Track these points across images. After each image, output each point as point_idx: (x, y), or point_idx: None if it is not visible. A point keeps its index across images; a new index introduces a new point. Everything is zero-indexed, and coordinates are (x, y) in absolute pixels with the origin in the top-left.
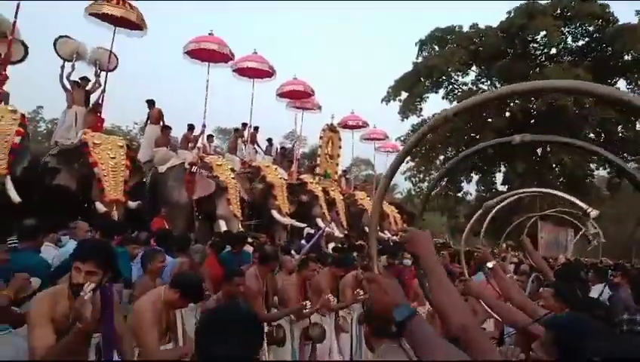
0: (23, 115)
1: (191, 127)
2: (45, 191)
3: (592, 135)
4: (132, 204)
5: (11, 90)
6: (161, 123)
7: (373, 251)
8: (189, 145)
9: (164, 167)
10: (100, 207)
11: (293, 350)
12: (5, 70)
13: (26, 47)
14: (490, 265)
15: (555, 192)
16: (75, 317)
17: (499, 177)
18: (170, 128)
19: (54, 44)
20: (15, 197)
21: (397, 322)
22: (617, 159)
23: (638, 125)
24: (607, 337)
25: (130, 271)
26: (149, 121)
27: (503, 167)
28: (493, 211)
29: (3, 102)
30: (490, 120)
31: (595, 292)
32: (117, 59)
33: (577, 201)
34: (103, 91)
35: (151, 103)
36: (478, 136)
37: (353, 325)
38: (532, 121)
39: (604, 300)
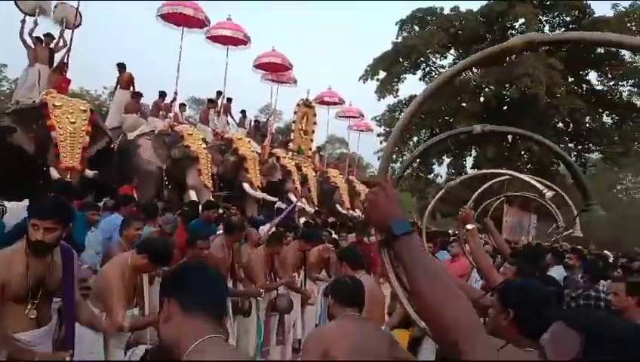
0: None
1: (162, 95)
2: (1, 152)
3: (560, 124)
4: (89, 173)
5: None
6: (132, 88)
7: (385, 163)
8: (160, 112)
9: (134, 134)
10: (54, 173)
11: (259, 321)
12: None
13: None
14: (469, 226)
15: (518, 174)
16: (36, 277)
17: (469, 161)
18: (141, 95)
19: None
20: None
21: (394, 235)
22: (556, 146)
23: (604, 117)
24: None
25: (83, 237)
26: (118, 86)
27: (474, 151)
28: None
29: None
30: (464, 104)
31: (552, 273)
32: (81, 16)
33: (536, 183)
34: (69, 50)
35: (122, 67)
36: (452, 120)
37: (319, 297)
38: (505, 107)
39: (560, 280)
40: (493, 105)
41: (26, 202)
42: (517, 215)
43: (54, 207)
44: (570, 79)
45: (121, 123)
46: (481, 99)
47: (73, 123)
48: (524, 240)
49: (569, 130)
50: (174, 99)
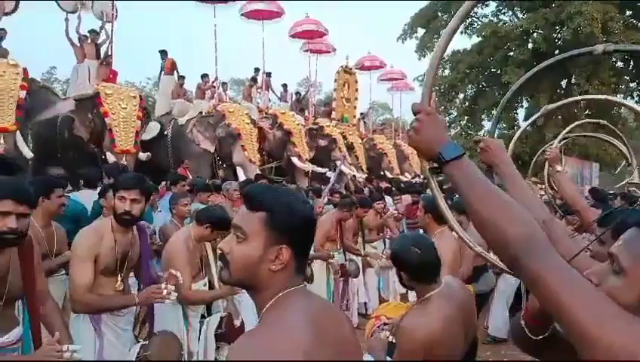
0: (25, 69)
1: (204, 76)
2: (63, 145)
3: (620, 63)
4: (142, 156)
5: (25, 53)
6: (176, 73)
7: (429, 88)
8: (205, 94)
9: (184, 119)
10: (111, 157)
11: (329, 285)
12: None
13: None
14: (559, 168)
15: (615, 99)
16: (122, 251)
17: (521, 113)
18: (184, 78)
19: None
20: (27, 152)
21: (444, 160)
22: None
23: None
24: None
25: (151, 216)
26: (162, 73)
27: (525, 102)
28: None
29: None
30: (511, 53)
31: None
32: (117, 9)
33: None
34: (111, 42)
35: (164, 54)
36: (499, 72)
37: (378, 261)
38: (556, 52)
39: None
40: (544, 50)
41: (87, 191)
42: (577, 164)
43: (138, 179)
44: (627, 12)
45: (170, 109)
46: (529, 45)
47: (125, 108)
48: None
49: (630, 68)
50: (216, 78)
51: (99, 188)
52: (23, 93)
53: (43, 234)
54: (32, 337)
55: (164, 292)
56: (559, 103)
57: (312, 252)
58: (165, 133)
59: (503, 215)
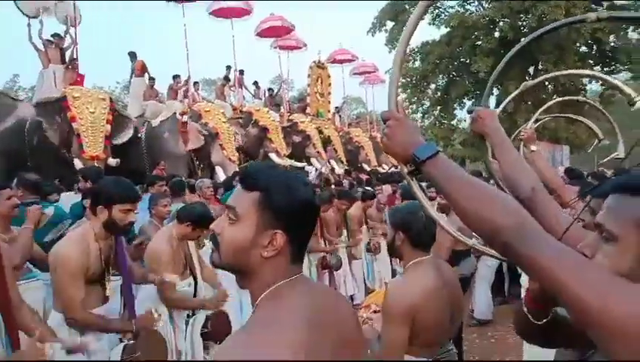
0: None
1: (176, 77)
2: (32, 151)
3: (584, 48)
4: (112, 162)
5: None
6: (146, 75)
7: (393, 94)
8: (177, 95)
9: (157, 120)
10: (78, 163)
11: (311, 277)
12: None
13: None
14: (533, 148)
15: (587, 72)
16: (105, 258)
17: (493, 101)
18: (154, 79)
19: (15, 2)
20: None
21: (419, 161)
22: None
23: (629, 33)
24: None
25: None
26: (133, 75)
27: (496, 90)
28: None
29: None
30: (479, 43)
31: None
32: (80, 13)
33: (621, 86)
34: (76, 45)
35: (133, 56)
36: (468, 61)
37: (363, 252)
38: (522, 39)
39: None
40: (510, 38)
41: (67, 194)
42: (548, 148)
43: (135, 190)
44: None
45: (142, 111)
46: (496, 34)
47: (93, 112)
48: (562, 169)
49: (593, 52)
50: (188, 78)
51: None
52: None
53: (6, 237)
54: (11, 343)
55: (155, 316)
56: (538, 79)
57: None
58: (139, 135)
59: (490, 206)
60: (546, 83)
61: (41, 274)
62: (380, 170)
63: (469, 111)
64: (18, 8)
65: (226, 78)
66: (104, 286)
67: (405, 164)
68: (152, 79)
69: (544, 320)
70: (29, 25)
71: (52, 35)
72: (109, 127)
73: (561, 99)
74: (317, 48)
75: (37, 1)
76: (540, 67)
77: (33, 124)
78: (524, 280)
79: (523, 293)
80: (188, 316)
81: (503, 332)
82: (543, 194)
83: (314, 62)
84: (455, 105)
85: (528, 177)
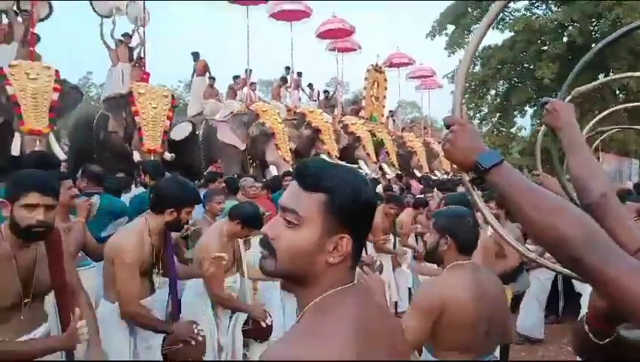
0: (57, 71)
1: (236, 78)
2: (99, 145)
3: None
4: (167, 156)
5: (60, 58)
6: (207, 75)
7: (458, 100)
8: (236, 95)
9: (215, 119)
10: (136, 156)
11: None
12: (34, 27)
13: (50, 5)
14: None
15: None
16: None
17: None
18: (214, 79)
19: (91, 2)
20: (60, 154)
21: (484, 168)
22: None
23: None
24: None
25: None
26: (194, 74)
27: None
28: None
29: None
30: (545, 48)
31: None
32: (149, 13)
33: None
34: (143, 45)
35: (196, 56)
36: (532, 66)
37: (410, 259)
38: (593, 44)
39: None
40: (579, 43)
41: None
42: (615, 161)
43: (198, 193)
44: None
45: (201, 109)
46: (564, 39)
47: (155, 108)
48: (630, 184)
49: None
50: (245, 79)
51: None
52: (56, 95)
53: (64, 226)
54: (63, 329)
55: (195, 330)
56: (591, 85)
57: None
58: (197, 133)
59: (556, 216)
60: (617, 91)
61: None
62: (432, 176)
63: (543, 103)
64: (93, 8)
65: (283, 79)
66: (152, 280)
67: (467, 172)
68: (212, 79)
69: (607, 340)
70: (101, 24)
71: (122, 35)
72: (168, 122)
73: (621, 106)
74: (374, 51)
75: (110, 2)
76: (611, 74)
77: (101, 119)
78: (585, 300)
79: (582, 313)
80: (231, 315)
81: (555, 353)
82: (615, 202)
83: (372, 65)
84: (515, 112)
85: (600, 181)
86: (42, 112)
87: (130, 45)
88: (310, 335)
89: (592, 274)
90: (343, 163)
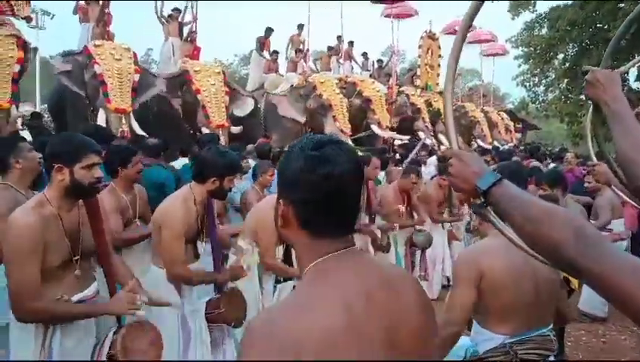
0: (135, 53)
1: (298, 51)
2: (158, 123)
3: None
4: (235, 129)
5: (123, 35)
6: (266, 52)
7: (451, 132)
8: (297, 67)
9: (276, 92)
10: (206, 132)
11: (398, 255)
12: (108, 7)
13: None
14: None
15: None
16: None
17: (633, 74)
18: (278, 53)
19: None
20: (138, 129)
21: (482, 191)
22: None
23: None
24: None
25: None
26: (258, 49)
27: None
28: None
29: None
30: (621, 5)
31: None
32: None
33: None
34: (195, 20)
35: (269, 31)
36: (606, 27)
37: (463, 232)
38: None
39: None
40: None
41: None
42: None
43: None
44: None
45: (261, 83)
46: None
47: (213, 85)
48: None
49: None
50: (305, 52)
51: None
52: (137, 77)
53: (127, 199)
54: (109, 290)
55: (245, 267)
56: (631, 63)
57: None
58: (259, 107)
59: (546, 223)
60: None
61: None
62: (486, 146)
63: (584, 72)
64: None
65: (332, 49)
66: (196, 247)
67: (476, 198)
68: (275, 52)
69: None
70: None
71: (172, 10)
72: (227, 98)
73: None
74: (431, 16)
75: None
76: None
77: (159, 98)
78: None
79: None
80: (277, 281)
81: (617, 334)
82: None
83: (425, 32)
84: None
85: None
86: (126, 92)
87: (180, 20)
88: (292, 304)
89: (587, 274)
90: (393, 134)
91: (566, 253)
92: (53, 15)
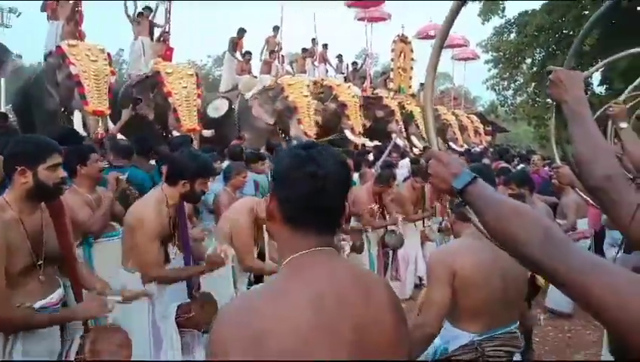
0: (109, 54)
1: (272, 52)
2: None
3: None
4: (206, 133)
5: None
6: (238, 53)
7: (432, 133)
8: (271, 69)
9: (250, 94)
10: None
11: (371, 256)
12: (80, 5)
13: None
14: (623, 125)
15: None
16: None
17: (596, 78)
18: (251, 54)
19: None
20: (115, 132)
21: (458, 191)
22: None
23: None
24: None
25: None
26: (231, 49)
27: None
28: None
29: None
30: (586, 12)
31: None
32: None
33: None
34: (168, 19)
35: (242, 32)
36: (572, 33)
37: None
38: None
39: None
40: (624, 6)
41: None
42: None
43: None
44: None
45: (235, 85)
46: (606, 2)
47: (185, 87)
48: None
49: None
50: (277, 52)
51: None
52: (113, 78)
53: (91, 198)
54: (75, 297)
55: (223, 255)
56: (594, 68)
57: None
58: (233, 108)
59: (514, 223)
60: None
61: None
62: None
63: (548, 72)
64: None
65: (307, 51)
66: (167, 251)
67: (454, 198)
68: (248, 53)
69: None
70: None
71: (143, 8)
72: (199, 100)
73: None
74: (404, 20)
75: None
76: None
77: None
78: None
79: None
80: (250, 283)
81: (581, 329)
82: (620, 185)
83: (397, 36)
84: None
85: (606, 162)
86: (103, 94)
87: (151, 19)
88: (268, 295)
89: (551, 275)
90: (366, 140)
91: (532, 254)
92: (20, 13)
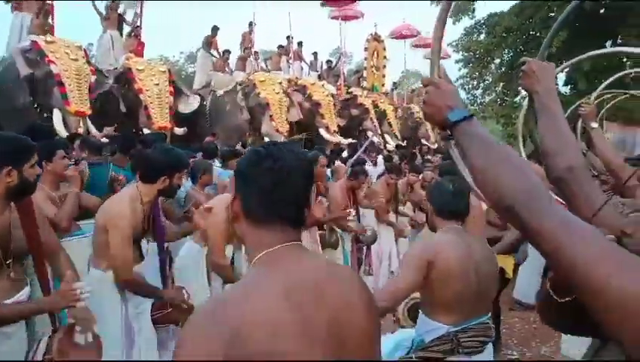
0: (85, 51)
1: (246, 49)
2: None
3: None
4: (179, 130)
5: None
6: (214, 51)
7: (436, 60)
8: (246, 66)
9: (222, 91)
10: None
11: (345, 252)
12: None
13: None
14: (593, 125)
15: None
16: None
17: (561, 78)
18: (229, 52)
19: None
20: (95, 133)
21: (451, 123)
22: None
23: None
24: None
25: None
26: (205, 46)
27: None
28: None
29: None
30: (552, 14)
31: None
32: None
33: None
34: (141, 15)
35: (215, 30)
36: (539, 34)
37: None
38: (602, 10)
39: None
40: (588, 10)
41: None
42: (620, 131)
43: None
44: None
45: (208, 81)
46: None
47: (157, 85)
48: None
49: None
50: (250, 48)
51: None
52: (93, 78)
53: (56, 196)
54: (42, 292)
55: (185, 296)
56: (564, 65)
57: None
58: (205, 104)
59: (501, 164)
60: (625, 60)
61: (88, 231)
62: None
63: (521, 63)
64: None
65: (282, 48)
66: (140, 248)
67: (444, 130)
68: (227, 52)
69: (567, 299)
70: None
71: (111, 1)
72: (171, 98)
73: (628, 71)
74: (377, 19)
75: None
76: (619, 41)
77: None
78: None
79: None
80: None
81: None
82: (581, 177)
83: (371, 34)
84: (520, 81)
85: (570, 154)
86: (85, 94)
87: (120, 12)
88: (241, 292)
89: (527, 229)
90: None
91: (506, 198)
92: None
